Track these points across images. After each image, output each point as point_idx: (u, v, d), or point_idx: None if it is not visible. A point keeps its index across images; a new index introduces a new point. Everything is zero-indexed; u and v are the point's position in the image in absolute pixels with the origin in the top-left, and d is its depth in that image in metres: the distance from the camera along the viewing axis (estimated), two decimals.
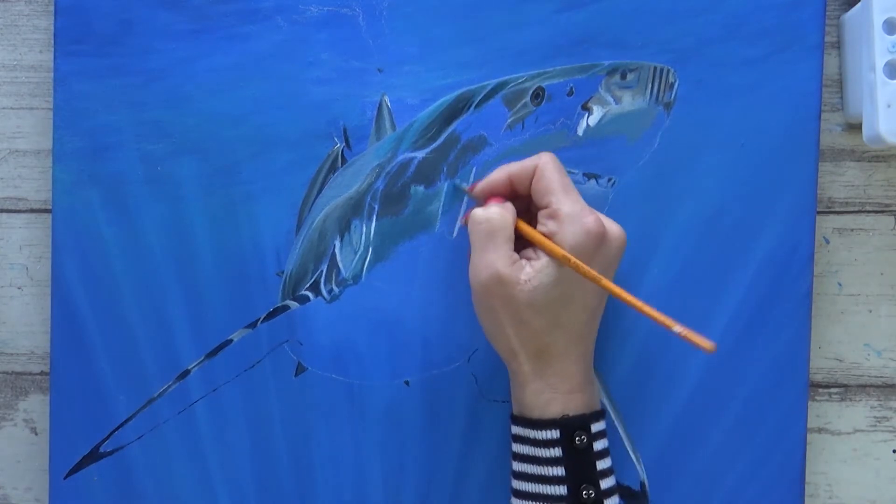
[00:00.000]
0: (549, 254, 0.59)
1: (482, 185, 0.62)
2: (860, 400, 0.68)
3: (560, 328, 0.59)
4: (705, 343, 0.55)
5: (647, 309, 0.57)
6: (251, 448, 0.67)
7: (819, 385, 0.68)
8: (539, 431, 0.59)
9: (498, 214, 0.60)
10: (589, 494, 0.58)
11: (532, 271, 0.59)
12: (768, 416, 0.66)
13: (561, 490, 0.59)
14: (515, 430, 0.61)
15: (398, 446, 0.67)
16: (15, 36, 0.70)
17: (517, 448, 0.61)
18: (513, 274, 0.59)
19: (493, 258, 0.59)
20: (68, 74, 0.67)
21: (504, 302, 0.59)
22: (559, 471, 0.59)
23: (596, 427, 0.60)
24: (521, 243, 0.61)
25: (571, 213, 0.59)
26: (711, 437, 0.67)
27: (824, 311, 0.68)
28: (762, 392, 0.66)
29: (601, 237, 0.59)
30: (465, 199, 0.66)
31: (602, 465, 0.60)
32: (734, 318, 0.66)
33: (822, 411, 0.68)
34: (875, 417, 0.68)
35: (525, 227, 0.60)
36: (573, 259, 0.58)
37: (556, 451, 0.59)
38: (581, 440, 0.59)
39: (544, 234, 0.59)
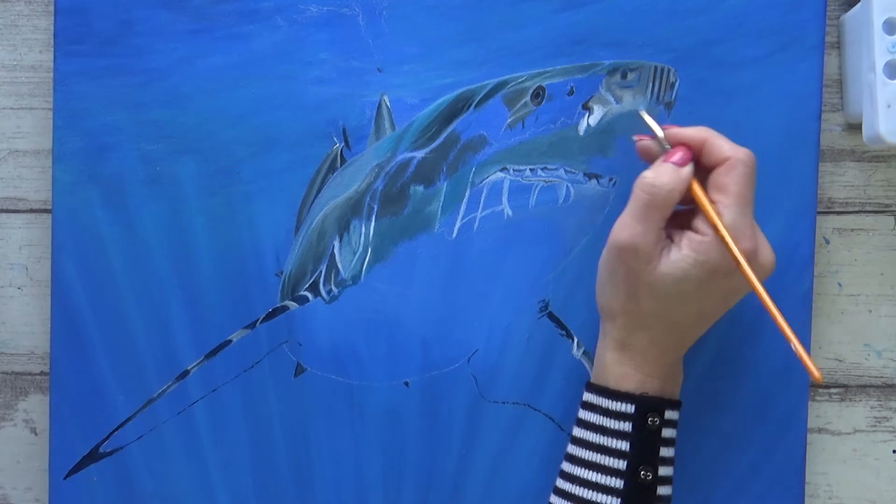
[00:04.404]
0: (712, 225, 0.57)
1: (676, 131, 0.60)
2: (860, 400, 0.68)
3: (665, 319, 0.59)
4: (815, 372, 0.55)
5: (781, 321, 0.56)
6: (251, 448, 0.67)
7: (819, 385, 0.68)
8: (614, 402, 0.59)
9: (666, 190, 0.57)
10: (646, 476, 0.58)
11: (668, 258, 0.57)
12: (768, 416, 0.66)
13: (620, 464, 0.58)
14: (588, 397, 0.60)
15: (398, 447, 0.67)
16: (15, 36, 0.70)
17: (584, 415, 0.60)
18: (650, 252, 0.57)
19: (640, 229, 0.57)
20: (68, 74, 0.67)
21: (627, 271, 0.58)
22: (624, 445, 0.58)
23: (669, 415, 0.59)
24: (685, 214, 0.59)
25: (730, 227, 0.57)
26: (711, 436, 0.66)
27: (824, 311, 0.68)
28: (762, 392, 0.66)
29: (749, 260, 0.57)
30: (467, 195, 0.65)
31: (665, 452, 0.59)
32: (735, 319, 0.66)
33: (822, 411, 0.68)
34: (875, 418, 0.68)
35: (699, 196, 0.58)
36: (729, 241, 0.56)
37: (627, 426, 0.59)
38: (653, 422, 0.59)
39: (696, 232, 0.58)
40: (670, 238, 0.59)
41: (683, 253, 0.57)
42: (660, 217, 0.58)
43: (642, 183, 0.58)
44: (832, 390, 0.68)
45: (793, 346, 0.55)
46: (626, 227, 0.58)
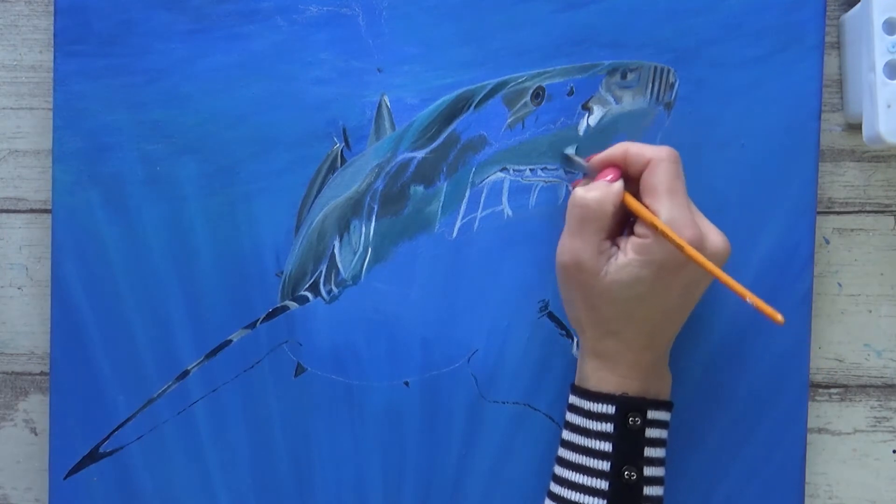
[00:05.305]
0: (649, 225, 0.58)
1: (598, 157, 0.61)
2: (860, 400, 0.68)
3: (631, 321, 0.59)
4: (777, 315, 0.54)
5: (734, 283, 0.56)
6: (251, 448, 0.67)
7: (819, 385, 0.68)
8: (594, 403, 0.60)
9: (595, 202, 0.59)
10: (630, 476, 0.58)
11: (614, 265, 0.58)
12: (768, 416, 0.66)
13: (604, 465, 0.59)
14: (572, 399, 0.61)
15: (398, 447, 0.67)
16: (15, 36, 0.70)
17: (570, 417, 0.61)
18: (594, 265, 0.58)
19: (578, 245, 0.59)
20: (68, 74, 0.67)
21: (580, 286, 0.59)
22: (606, 446, 0.59)
23: (653, 415, 0.60)
24: (627, 218, 0.60)
25: (668, 222, 0.58)
26: (711, 437, 0.66)
27: (824, 311, 0.68)
28: (762, 392, 0.66)
29: (696, 248, 0.57)
30: (467, 195, 0.66)
31: (651, 452, 0.59)
32: (734, 319, 0.66)
33: (822, 411, 0.68)
34: (875, 418, 0.68)
35: (633, 204, 0.59)
36: (676, 240, 0.57)
37: (608, 427, 0.59)
38: (634, 421, 0.59)
39: (638, 236, 0.58)
40: (617, 247, 0.59)
41: (629, 257, 0.58)
42: (596, 229, 0.59)
43: (574, 199, 0.60)
44: (832, 390, 0.68)
45: (749, 299, 0.55)
46: (565, 246, 0.60)
